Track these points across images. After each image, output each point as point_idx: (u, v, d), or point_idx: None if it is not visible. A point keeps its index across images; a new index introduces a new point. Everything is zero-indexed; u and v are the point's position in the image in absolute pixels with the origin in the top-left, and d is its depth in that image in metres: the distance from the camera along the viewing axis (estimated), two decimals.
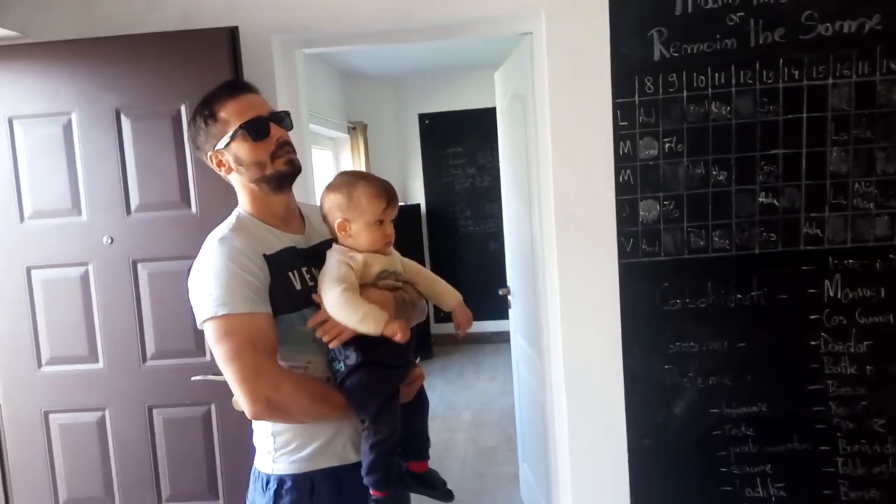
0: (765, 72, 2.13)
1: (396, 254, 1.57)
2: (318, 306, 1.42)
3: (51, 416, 2.16)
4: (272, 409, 1.36)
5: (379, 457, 1.42)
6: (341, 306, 1.37)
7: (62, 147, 2.06)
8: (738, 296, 2.23)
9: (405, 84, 6.21)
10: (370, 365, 1.41)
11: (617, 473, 2.31)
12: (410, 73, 6.03)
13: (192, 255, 2.02)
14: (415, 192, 6.38)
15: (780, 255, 2.19)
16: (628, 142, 2.22)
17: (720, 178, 2.19)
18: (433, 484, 1.62)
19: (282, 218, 1.50)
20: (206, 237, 1.87)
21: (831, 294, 2.18)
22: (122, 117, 2.05)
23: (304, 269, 1.45)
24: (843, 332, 2.19)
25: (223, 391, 2.11)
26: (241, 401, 1.36)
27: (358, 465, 1.44)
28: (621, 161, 2.23)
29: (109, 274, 2.10)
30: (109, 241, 2.09)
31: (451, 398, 5.01)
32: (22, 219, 2.10)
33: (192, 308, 1.40)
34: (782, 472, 2.26)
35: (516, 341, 3.29)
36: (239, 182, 1.47)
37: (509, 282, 3.34)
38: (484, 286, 4.71)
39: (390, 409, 1.46)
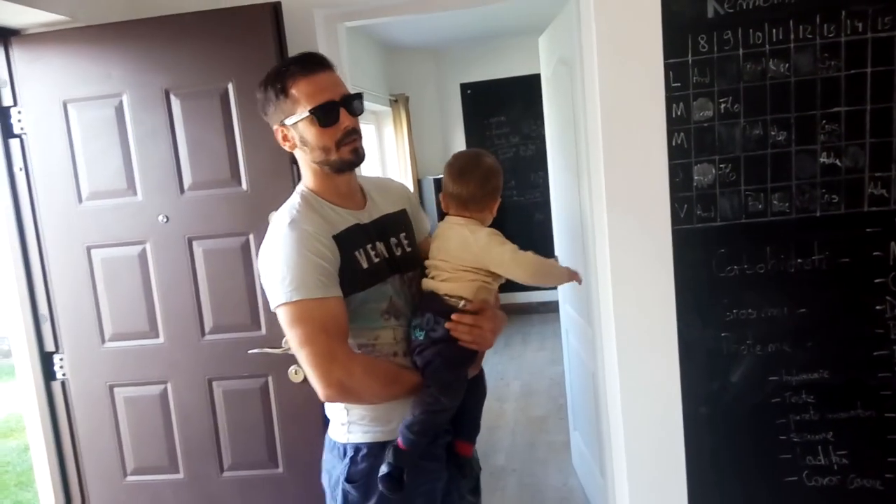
0: (825, 25, 2.02)
1: None
2: (390, 279, 1.48)
3: (116, 389, 2.23)
4: (344, 393, 1.40)
5: (426, 421, 1.44)
6: (542, 265, 1.50)
7: (115, 129, 2.10)
8: (799, 260, 2.15)
9: (446, 54, 6.14)
10: (454, 340, 1.45)
11: (672, 442, 2.28)
12: (451, 43, 5.95)
13: (244, 232, 2.10)
14: None
15: (842, 217, 2.10)
16: (681, 103, 2.14)
17: (779, 138, 2.10)
18: (465, 472, 1.64)
19: (344, 195, 1.52)
20: (257, 214, 1.92)
21: None
22: (172, 97, 2.08)
23: (369, 246, 1.48)
24: None
25: (279, 363, 2.16)
26: (314, 384, 1.39)
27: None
28: (674, 124, 2.16)
29: (166, 252, 2.14)
30: (165, 219, 2.13)
31: (499, 368, 5.03)
32: (80, 200, 2.16)
33: (263, 290, 1.43)
34: (845, 440, 2.20)
35: (565, 311, 3.26)
36: (303, 159, 1.50)
37: (557, 251, 3.30)
38: None
39: (459, 386, 1.50)
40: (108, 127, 2.10)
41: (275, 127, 1.47)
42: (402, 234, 1.58)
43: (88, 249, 2.18)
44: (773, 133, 2.11)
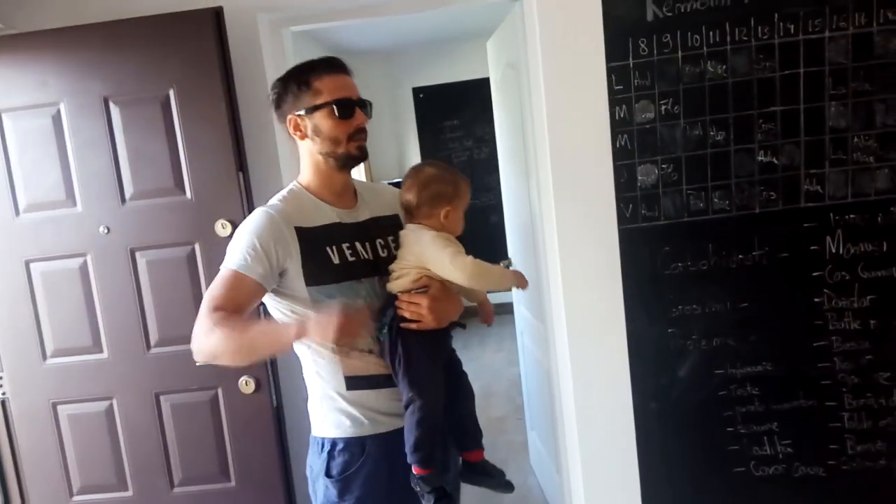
0: (760, 27, 2.09)
1: None
2: (367, 280, 1.53)
3: (59, 406, 2.17)
4: (194, 340, 1.43)
5: (424, 433, 1.46)
6: (479, 269, 1.51)
7: (52, 138, 2.04)
8: (740, 256, 2.21)
9: (397, 58, 6.13)
10: (412, 335, 1.49)
11: (624, 437, 2.32)
12: (402, 47, 5.95)
13: (189, 241, 2.07)
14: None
15: (780, 213, 2.17)
16: (624, 106, 2.19)
17: (718, 138, 2.16)
18: (490, 473, 1.66)
19: (337, 193, 1.59)
20: (203, 222, 1.97)
21: (833, 250, 2.17)
22: (111, 105, 2.03)
23: (345, 245, 1.53)
24: (846, 287, 2.18)
25: (229, 375, 2.12)
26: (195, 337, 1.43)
27: (398, 432, 1.51)
28: (618, 126, 2.20)
29: (108, 264, 2.09)
30: (106, 230, 2.08)
31: None
32: (17, 212, 2.09)
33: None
34: (789, 430, 2.27)
35: (520, 312, 3.29)
36: (307, 150, 1.56)
37: (510, 253, 3.33)
38: (485, 259, 4.67)
39: (435, 380, 1.51)
40: (46, 137, 2.04)
41: (288, 117, 1.54)
42: (391, 238, 1.62)
43: (27, 263, 2.11)
44: (712, 133, 2.16)
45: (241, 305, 1.45)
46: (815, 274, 2.19)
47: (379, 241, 1.60)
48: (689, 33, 2.12)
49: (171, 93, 2.01)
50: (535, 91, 2.32)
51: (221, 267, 1.48)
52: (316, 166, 1.56)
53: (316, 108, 1.51)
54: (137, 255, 2.09)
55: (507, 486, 1.69)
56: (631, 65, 2.16)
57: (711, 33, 2.11)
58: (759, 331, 2.24)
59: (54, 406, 2.17)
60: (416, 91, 6.21)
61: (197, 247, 2.07)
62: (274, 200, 1.56)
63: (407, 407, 1.49)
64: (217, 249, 2.05)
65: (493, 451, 3.80)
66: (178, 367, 2.12)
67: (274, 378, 2.18)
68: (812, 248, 2.18)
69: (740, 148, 2.15)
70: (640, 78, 2.16)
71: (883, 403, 2.23)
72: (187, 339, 2.09)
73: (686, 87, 2.15)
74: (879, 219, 2.14)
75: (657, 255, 2.25)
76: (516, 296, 3.34)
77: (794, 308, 2.21)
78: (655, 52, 2.14)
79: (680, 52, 2.13)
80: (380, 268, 1.57)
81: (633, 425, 2.32)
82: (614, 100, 2.19)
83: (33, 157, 2.06)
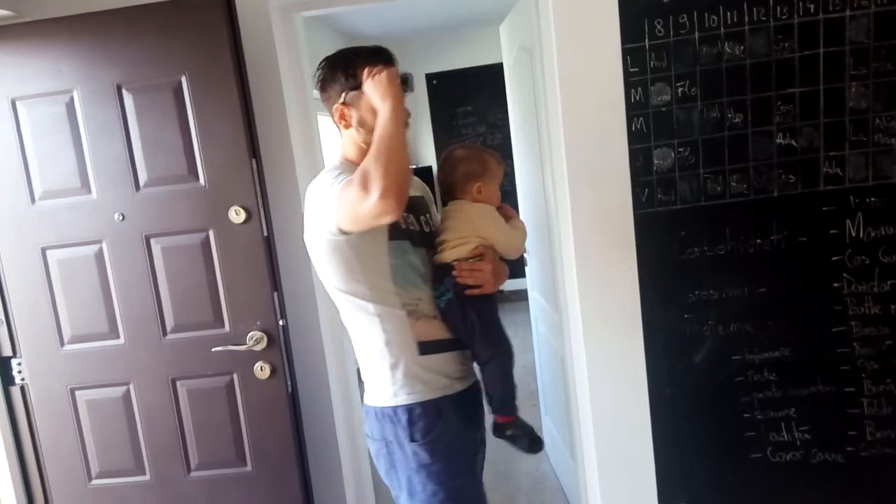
0: (778, 7, 2.05)
1: None
2: (425, 250, 1.64)
3: (77, 392, 2.19)
4: (395, 193, 1.38)
5: (508, 383, 1.68)
6: (514, 230, 1.75)
7: (67, 125, 2.05)
8: (758, 241, 2.19)
9: (410, 44, 6.09)
10: (480, 299, 1.62)
11: (639, 423, 2.31)
12: (415, 33, 5.91)
13: (203, 228, 2.07)
14: (425, 154, 6.33)
15: (799, 196, 2.14)
16: (639, 88, 2.16)
17: (736, 120, 2.13)
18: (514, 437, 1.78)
19: None
20: (216, 209, 2.04)
21: (853, 234, 2.14)
22: (124, 92, 2.03)
23: (403, 214, 1.57)
24: (866, 272, 2.15)
25: (244, 361, 2.13)
26: (373, 205, 1.37)
27: (466, 392, 1.66)
28: (633, 109, 2.17)
29: (123, 250, 2.10)
30: (121, 217, 2.09)
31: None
32: (33, 200, 2.10)
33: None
34: (807, 416, 2.24)
35: (534, 298, 3.28)
36: (351, 139, 1.61)
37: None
38: None
39: (502, 332, 1.68)
40: (60, 124, 2.05)
41: (334, 106, 1.58)
42: (428, 216, 1.74)
43: (44, 251, 2.12)
44: (729, 115, 2.13)
45: None
46: (834, 258, 2.16)
47: (421, 216, 1.69)
48: (706, 14, 2.08)
49: (184, 79, 2.00)
50: (548, 74, 2.30)
51: (331, 195, 1.46)
52: (360, 151, 1.58)
53: (363, 98, 1.54)
54: (152, 241, 2.10)
55: (533, 445, 1.77)
56: (647, 46, 2.13)
57: (729, 13, 2.07)
58: (776, 316, 2.21)
59: (72, 392, 2.18)
60: (430, 77, 6.17)
61: (211, 233, 2.07)
62: (332, 172, 1.56)
63: (485, 365, 1.66)
64: (231, 236, 2.07)
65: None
66: (194, 352, 2.13)
67: (289, 364, 2.18)
68: (832, 231, 2.14)
69: (758, 130, 2.12)
70: (656, 60, 2.13)
71: None
72: (202, 325, 2.14)
73: (703, 68, 2.11)
74: None
75: (673, 240, 2.22)
76: (530, 282, 3.33)
77: (812, 293, 2.18)
78: (672, 33, 2.11)
79: (697, 32, 2.09)
80: (426, 241, 1.67)
81: (649, 411, 2.30)
82: (630, 82, 2.16)
83: (48, 145, 2.07)
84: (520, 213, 3.38)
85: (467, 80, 6.06)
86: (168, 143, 2.03)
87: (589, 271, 2.29)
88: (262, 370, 2.11)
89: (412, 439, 1.58)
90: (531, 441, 1.75)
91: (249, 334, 2.10)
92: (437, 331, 1.63)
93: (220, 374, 2.14)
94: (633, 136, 2.18)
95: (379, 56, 1.58)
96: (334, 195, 1.46)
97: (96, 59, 2.00)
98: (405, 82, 1.59)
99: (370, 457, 1.77)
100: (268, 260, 2.08)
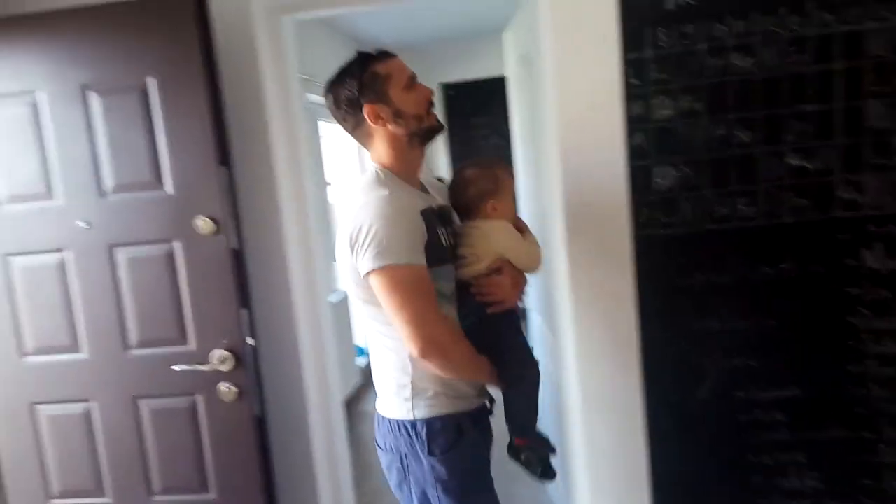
0: (792, 17, 1.88)
1: None
2: (451, 262, 1.60)
3: (38, 407, 2.09)
4: (439, 350, 1.47)
5: (532, 405, 1.67)
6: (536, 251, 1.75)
7: (29, 127, 1.96)
8: (766, 269, 2.01)
9: (427, 53, 5.99)
10: (504, 322, 1.63)
11: (636, 462, 2.14)
12: (430, 41, 5.81)
13: (168, 239, 1.95)
14: (439, 166, 6.21)
15: (812, 223, 1.96)
16: (640, 102, 2.01)
17: (744, 138, 1.97)
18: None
19: (415, 175, 1.65)
20: (182, 218, 1.95)
21: (871, 265, 1.95)
22: (90, 94, 1.93)
23: (440, 229, 1.58)
24: (885, 306, 1.96)
25: (209, 381, 2.01)
26: (410, 342, 1.46)
27: (482, 408, 1.66)
28: (633, 123, 2.02)
29: (88, 260, 2.00)
30: (86, 225, 1.99)
31: None
32: None
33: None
34: (818, 461, 2.06)
35: (533, 318, 3.13)
36: (388, 136, 1.56)
37: None
38: None
39: (528, 352, 1.68)
40: (22, 126, 1.96)
41: (365, 108, 1.54)
42: (451, 227, 1.69)
43: (5, 258, 2.03)
44: (737, 133, 1.97)
45: (435, 296, 1.51)
46: (850, 291, 1.97)
47: (449, 227, 1.65)
48: (714, 23, 1.93)
49: (149, 81, 1.90)
50: (545, 85, 2.16)
51: (382, 264, 1.44)
52: (399, 150, 1.57)
53: (390, 89, 1.53)
54: (117, 251, 1.99)
55: (546, 472, 1.73)
56: (649, 57, 1.98)
57: (738, 23, 1.92)
58: (786, 351, 2.03)
59: (33, 406, 2.09)
60: (446, 87, 6.07)
61: (177, 244, 1.96)
62: (387, 185, 1.52)
63: (513, 387, 1.64)
64: (197, 247, 1.96)
65: (506, 462, 3.64)
66: (158, 370, 2.02)
67: (258, 386, 2.06)
68: (847, 262, 1.96)
69: (768, 150, 1.95)
70: (659, 71, 1.98)
71: None
72: (166, 342, 2.02)
73: (709, 81, 1.96)
74: None
75: (675, 265, 2.06)
76: (529, 300, 3.18)
77: (825, 328, 2.00)
78: (676, 43, 1.96)
79: (703, 43, 1.94)
80: (453, 255, 1.63)
81: (646, 450, 2.14)
82: (630, 95, 2.01)
83: (11, 147, 1.98)
84: None
85: (484, 91, 5.93)
86: (134, 148, 1.93)
87: (584, 295, 2.14)
88: (227, 392, 1.99)
89: (430, 453, 1.56)
90: (544, 468, 1.70)
91: (214, 353, 1.98)
92: None
93: (184, 395, 2.02)
94: (633, 153, 2.04)
95: (386, 53, 1.59)
96: (378, 247, 1.43)
97: (62, 58, 1.91)
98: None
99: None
100: (235, 274, 1.96)
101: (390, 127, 1.54)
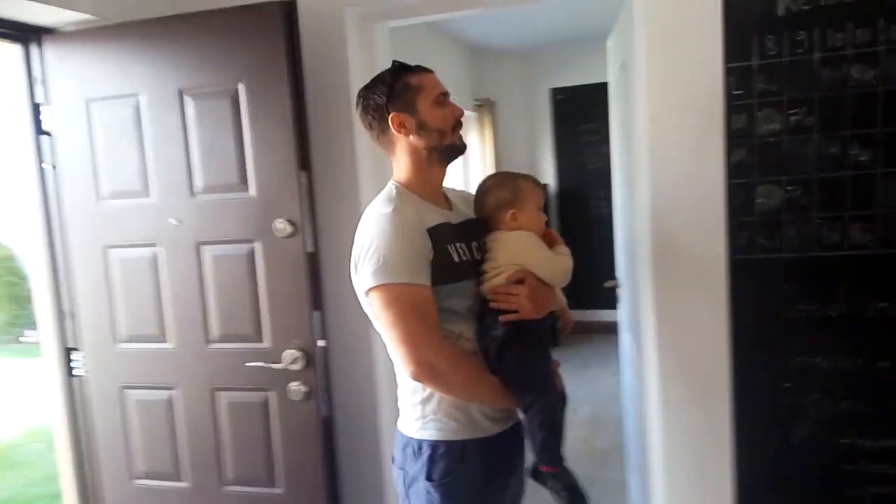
0: None
1: None
2: (474, 281, 1.55)
3: (127, 391, 2.21)
4: (433, 373, 1.43)
5: (551, 431, 1.51)
6: (568, 266, 1.63)
7: (132, 128, 2.07)
8: (881, 304, 1.80)
9: (537, 57, 5.90)
10: (516, 343, 1.49)
11: None
12: (541, 46, 5.71)
13: (250, 239, 2.01)
14: (545, 172, 6.09)
15: None
16: (744, 114, 1.86)
17: (861, 158, 1.77)
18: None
19: (434, 191, 1.60)
20: (263, 221, 2.00)
21: None
22: (185, 98, 2.02)
23: (458, 244, 1.54)
24: None
25: (281, 380, 2.05)
26: (404, 363, 1.43)
27: (502, 434, 1.55)
28: (735, 137, 1.87)
29: (176, 255, 2.10)
30: (176, 222, 2.08)
31: (570, 391, 4.71)
32: (100, 199, 2.15)
33: (353, 277, 1.49)
34: None
35: (625, 340, 2.98)
36: (409, 148, 1.54)
37: (619, 273, 3.02)
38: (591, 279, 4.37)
39: (544, 376, 1.54)
40: (127, 126, 2.08)
41: (391, 115, 1.52)
42: (482, 241, 1.63)
43: (106, 249, 2.17)
44: (853, 152, 1.77)
45: (436, 317, 1.46)
46: None
47: (474, 243, 1.60)
48: (831, 30, 1.74)
49: (240, 87, 1.96)
50: (638, 94, 2.04)
51: (378, 282, 1.41)
52: (418, 164, 1.55)
53: (419, 101, 1.51)
54: (203, 248, 2.08)
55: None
56: (755, 66, 1.82)
57: (859, 31, 1.72)
58: None
59: (123, 389, 2.21)
60: (555, 92, 5.94)
61: (257, 245, 2.02)
62: (393, 201, 1.49)
63: (526, 411, 1.52)
64: (276, 249, 2.00)
65: (589, 486, 3.48)
66: (235, 365, 2.08)
67: (327, 387, 2.08)
68: None
69: (889, 171, 1.74)
70: (766, 82, 1.82)
71: None
72: (243, 338, 2.08)
73: (823, 94, 1.77)
74: None
75: (776, 293, 1.89)
76: (621, 319, 3.03)
77: None
78: (786, 51, 1.79)
79: (817, 52, 1.77)
80: (476, 270, 1.58)
81: (733, 492, 1.96)
82: (732, 107, 1.86)
83: (115, 146, 2.10)
84: (614, 243, 3.10)
85: (594, 96, 5.72)
86: (223, 151, 2.00)
87: (671, 319, 2.01)
88: (296, 391, 2.02)
89: (428, 477, 1.50)
90: (572, 496, 1.56)
91: (287, 353, 2.01)
92: None
93: (258, 390, 2.08)
94: (734, 170, 1.88)
95: (420, 67, 1.57)
96: (376, 265, 1.41)
97: (162, 63, 2.01)
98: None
99: None
100: (309, 277, 1.99)
101: (412, 138, 1.52)
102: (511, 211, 1.59)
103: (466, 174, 5.81)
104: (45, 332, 2.27)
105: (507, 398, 1.51)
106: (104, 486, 2.29)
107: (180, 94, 2.02)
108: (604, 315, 5.83)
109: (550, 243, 1.65)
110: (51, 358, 2.28)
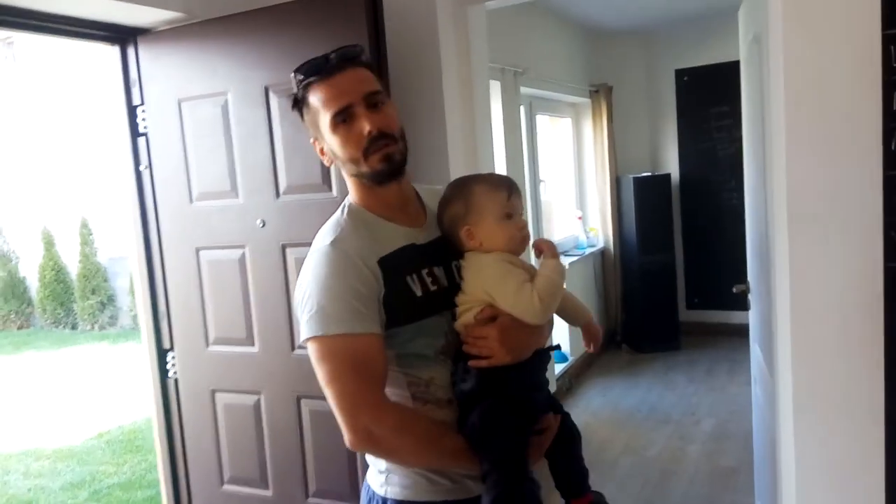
0: None
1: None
2: (448, 313, 1.29)
3: (217, 394, 2.19)
4: (372, 443, 1.22)
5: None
6: (551, 300, 1.26)
7: (221, 128, 2.04)
8: None
9: (657, 37, 5.48)
10: (491, 395, 1.23)
11: None
12: (663, 25, 5.29)
13: None
14: (666, 160, 5.67)
15: None
16: None
17: None
18: None
19: (396, 207, 1.32)
20: None
21: None
22: (271, 94, 1.95)
23: (424, 272, 1.29)
24: None
25: None
26: (341, 429, 1.21)
27: (476, 499, 1.24)
28: (894, 120, 1.53)
29: (262, 257, 2.05)
30: (262, 224, 2.02)
31: (691, 400, 4.36)
32: (191, 200, 2.14)
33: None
34: None
35: (754, 351, 2.64)
36: (343, 171, 1.33)
37: (749, 277, 2.67)
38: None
39: (517, 454, 1.22)
40: (215, 126, 2.04)
41: (311, 140, 1.33)
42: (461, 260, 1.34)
43: (197, 251, 2.15)
44: None
45: (380, 372, 1.22)
46: None
47: (454, 263, 1.32)
48: None
49: None
50: (773, 69, 1.74)
51: (310, 334, 1.21)
52: (359, 185, 1.30)
53: (321, 124, 1.26)
54: (288, 250, 2.01)
55: None
56: None
57: None
58: None
59: (213, 393, 2.20)
60: (680, 73, 5.50)
61: None
62: (336, 230, 1.27)
63: (484, 480, 1.21)
64: None
65: None
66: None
67: None
68: None
69: None
70: None
71: None
72: None
73: None
74: None
75: None
76: (752, 331, 2.69)
77: None
78: None
79: None
80: (454, 297, 1.31)
81: None
82: (891, 82, 1.52)
83: (205, 147, 2.08)
84: (746, 239, 2.75)
85: (724, 76, 5.21)
86: (305, 150, 1.88)
87: (809, 336, 1.71)
88: None
89: None
90: None
91: None
92: (448, 420, 1.28)
93: None
94: (892, 159, 1.54)
95: (320, 72, 1.26)
96: (309, 313, 1.20)
97: (249, 59, 1.95)
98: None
99: None
100: None
101: (337, 164, 1.30)
102: (465, 227, 1.27)
103: (579, 166, 5.52)
104: (145, 332, 2.30)
105: (470, 460, 1.24)
106: (193, 489, 2.29)
107: (266, 90, 1.95)
108: (733, 317, 5.35)
109: (539, 253, 1.33)
110: (149, 359, 2.30)
